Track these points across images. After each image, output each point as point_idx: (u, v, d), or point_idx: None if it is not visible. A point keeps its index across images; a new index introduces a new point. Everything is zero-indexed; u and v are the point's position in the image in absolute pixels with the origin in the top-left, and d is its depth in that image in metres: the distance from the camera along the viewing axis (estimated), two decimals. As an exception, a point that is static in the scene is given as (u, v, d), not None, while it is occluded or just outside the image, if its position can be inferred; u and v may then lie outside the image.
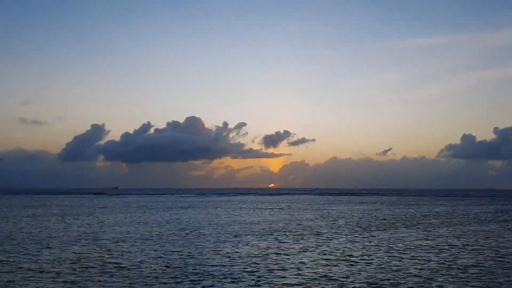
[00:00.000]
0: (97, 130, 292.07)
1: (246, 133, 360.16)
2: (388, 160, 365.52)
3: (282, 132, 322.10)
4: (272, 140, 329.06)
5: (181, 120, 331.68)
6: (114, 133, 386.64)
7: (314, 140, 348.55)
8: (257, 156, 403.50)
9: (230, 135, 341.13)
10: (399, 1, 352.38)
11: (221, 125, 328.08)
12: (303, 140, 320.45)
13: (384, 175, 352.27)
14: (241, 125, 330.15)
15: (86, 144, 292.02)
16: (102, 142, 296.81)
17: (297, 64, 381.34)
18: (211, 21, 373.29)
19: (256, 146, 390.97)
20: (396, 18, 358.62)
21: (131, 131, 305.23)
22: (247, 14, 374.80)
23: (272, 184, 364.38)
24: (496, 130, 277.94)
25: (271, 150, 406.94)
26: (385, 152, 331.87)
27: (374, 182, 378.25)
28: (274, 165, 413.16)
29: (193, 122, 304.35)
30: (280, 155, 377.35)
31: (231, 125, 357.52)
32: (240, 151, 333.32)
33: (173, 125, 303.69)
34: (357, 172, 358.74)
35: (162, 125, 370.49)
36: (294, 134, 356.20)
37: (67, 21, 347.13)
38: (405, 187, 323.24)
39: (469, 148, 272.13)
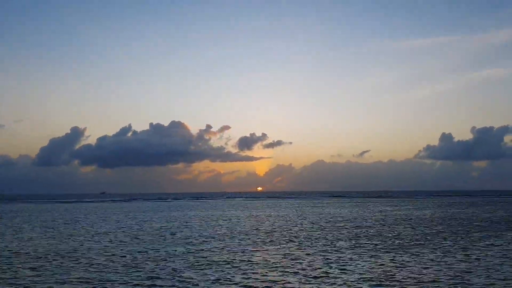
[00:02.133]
0: (76, 134, 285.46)
1: (229, 136, 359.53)
2: (372, 163, 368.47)
3: (260, 134, 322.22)
4: (246, 142, 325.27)
5: (164, 123, 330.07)
6: (94, 137, 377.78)
7: (291, 143, 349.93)
8: (235, 159, 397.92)
9: (213, 138, 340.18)
10: (384, 2, 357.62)
11: (204, 127, 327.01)
12: (278, 143, 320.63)
13: (369, 177, 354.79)
14: (225, 128, 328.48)
15: (63, 148, 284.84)
16: (79, 146, 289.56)
17: (279, 66, 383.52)
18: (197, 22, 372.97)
19: (232, 149, 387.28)
20: (381, 20, 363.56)
21: (111, 135, 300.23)
22: (229, 16, 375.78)
23: (260, 188, 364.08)
24: (473, 130, 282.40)
25: (250, 153, 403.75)
26: (362, 153, 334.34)
27: (358, 184, 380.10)
28: (257, 168, 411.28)
29: (174, 125, 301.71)
30: (260, 158, 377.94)
31: (215, 128, 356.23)
32: (219, 154, 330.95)
33: (155, 128, 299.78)
34: (344, 175, 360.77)
35: (141, 128, 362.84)
36: (269, 136, 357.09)
37: (48, 24, 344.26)
38: (386, 189, 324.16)
39: (447, 149, 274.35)
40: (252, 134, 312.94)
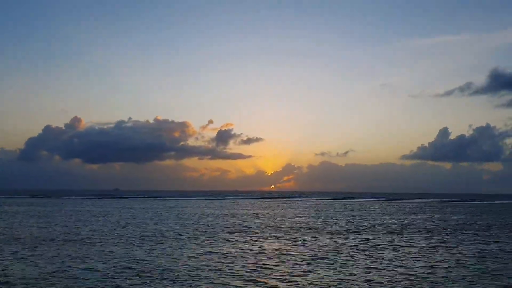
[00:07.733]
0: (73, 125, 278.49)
1: (232, 133, 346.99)
2: (382, 164, 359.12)
3: (258, 133, 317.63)
4: (223, 138, 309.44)
5: (167, 117, 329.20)
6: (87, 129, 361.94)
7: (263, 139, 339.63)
8: (221, 157, 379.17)
9: (212, 135, 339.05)
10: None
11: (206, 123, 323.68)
12: (255, 139, 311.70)
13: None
14: (225, 126, 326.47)
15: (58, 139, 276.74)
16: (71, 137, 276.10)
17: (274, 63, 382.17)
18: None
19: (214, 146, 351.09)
20: (385, 20, 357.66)
21: (100, 128, 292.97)
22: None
23: (273, 186, 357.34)
24: (470, 128, 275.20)
25: (238, 150, 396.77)
26: (345, 153, 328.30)
27: (370, 184, 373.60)
28: (264, 167, 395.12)
29: (175, 122, 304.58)
30: (249, 156, 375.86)
31: (217, 124, 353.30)
32: (208, 151, 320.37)
33: (156, 122, 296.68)
34: (347, 175, 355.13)
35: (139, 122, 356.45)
36: (242, 134, 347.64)
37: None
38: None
39: (443, 147, 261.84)
40: (229, 130, 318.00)
